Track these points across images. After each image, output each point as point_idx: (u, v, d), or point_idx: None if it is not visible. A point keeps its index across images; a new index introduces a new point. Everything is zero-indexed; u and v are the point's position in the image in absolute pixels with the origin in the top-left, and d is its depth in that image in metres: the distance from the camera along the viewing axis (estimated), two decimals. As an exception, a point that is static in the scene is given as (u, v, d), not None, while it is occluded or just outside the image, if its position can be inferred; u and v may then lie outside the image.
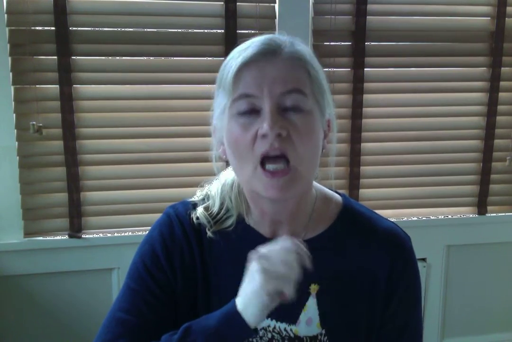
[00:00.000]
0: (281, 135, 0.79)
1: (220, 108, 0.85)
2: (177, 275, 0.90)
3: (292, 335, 0.89)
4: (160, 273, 0.90)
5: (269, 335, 0.89)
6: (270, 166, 0.81)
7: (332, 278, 0.90)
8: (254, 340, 0.89)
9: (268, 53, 0.81)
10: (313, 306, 0.89)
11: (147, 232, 0.95)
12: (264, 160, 0.81)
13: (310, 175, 0.86)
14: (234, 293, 0.85)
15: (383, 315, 0.91)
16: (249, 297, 0.77)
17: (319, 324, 0.89)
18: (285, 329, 0.89)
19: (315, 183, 0.95)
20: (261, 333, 0.89)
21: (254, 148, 0.81)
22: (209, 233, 0.91)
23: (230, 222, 0.92)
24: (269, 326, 0.89)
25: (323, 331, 0.89)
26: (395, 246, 0.91)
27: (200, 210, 0.93)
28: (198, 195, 0.97)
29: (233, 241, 0.91)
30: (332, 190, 0.98)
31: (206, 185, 0.98)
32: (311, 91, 0.83)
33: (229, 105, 0.82)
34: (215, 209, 0.93)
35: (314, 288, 0.89)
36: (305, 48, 0.86)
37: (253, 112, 0.81)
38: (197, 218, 0.92)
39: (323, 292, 0.89)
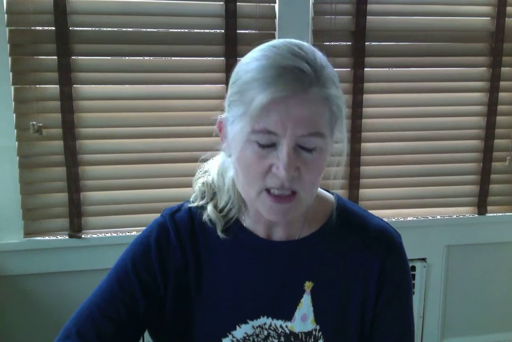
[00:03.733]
0: (293, 176, 0.79)
1: (237, 124, 0.80)
2: (169, 277, 0.91)
3: (287, 331, 0.90)
4: (149, 277, 0.90)
5: (265, 333, 0.90)
6: (275, 190, 0.81)
7: (326, 275, 0.91)
8: (251, 338, 0.90)
9: (298, 90, 0.76)
10: (307, 303, 0.91)
11: (142, 231, 0.96)
12: None
13: (312, 197, 0.86)
14: (227, 290, 0.87)
15: (374, 309, 0.92)
16: None
17: (314, 320, 0.91)
18: (280, 326, 0.90)
19: None
20: (257, 331, 0.90)
21: (265, 180, 0.80)
22: (221, 234, 0.91)
23: (232, 213, 0.92)
24: (265, 324, 0.90)
25: (318, 327, 0.91)
26: (386, 243, 0.93)
27: (210, 208, 0.93)
28: (198, 184, 0.98)
29: (228, 239, 0.92)
30: (324, 189, 0.99)
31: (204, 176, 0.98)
32: (329, 126, 0.81)
33: (248, 131, 0.79)
34: (222, 203, 0.92)
35: (308, 285, 0.91)
36: (331, 78, 0.80)
37: (271, 145, 0.79)
38: (210, 220, 0.92)
39: (317, 289, 0.91)
